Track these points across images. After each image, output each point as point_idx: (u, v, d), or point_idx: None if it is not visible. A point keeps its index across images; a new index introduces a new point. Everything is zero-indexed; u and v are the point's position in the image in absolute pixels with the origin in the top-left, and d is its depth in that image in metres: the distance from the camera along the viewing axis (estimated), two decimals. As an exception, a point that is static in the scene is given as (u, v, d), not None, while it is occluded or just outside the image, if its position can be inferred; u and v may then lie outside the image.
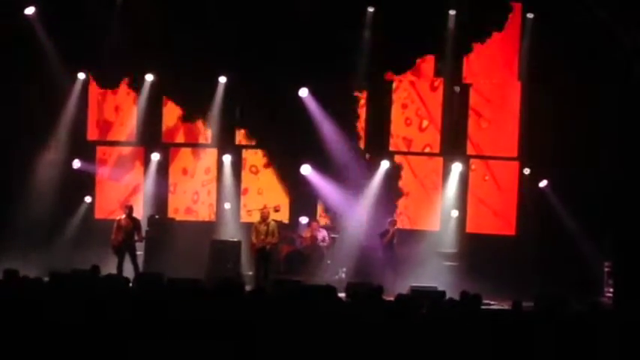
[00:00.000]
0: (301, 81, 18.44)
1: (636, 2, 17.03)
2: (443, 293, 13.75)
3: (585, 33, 17.65)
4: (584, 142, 18.03)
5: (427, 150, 19.56)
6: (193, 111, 19.17)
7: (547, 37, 18.23)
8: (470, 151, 19.40)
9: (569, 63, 17.84)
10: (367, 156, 19.07)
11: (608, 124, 17.97)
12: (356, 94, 19.05)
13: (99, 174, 19.29)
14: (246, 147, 19.55)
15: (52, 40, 18.21)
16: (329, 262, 18.07)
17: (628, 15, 16.98)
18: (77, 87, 18.98)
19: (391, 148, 19.44)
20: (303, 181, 18.74)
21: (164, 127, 19.57)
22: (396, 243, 17.67)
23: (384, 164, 18.96)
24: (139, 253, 17.21)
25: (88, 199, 19.13)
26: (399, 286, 14.91)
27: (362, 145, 19.25)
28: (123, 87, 19.40)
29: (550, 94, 18.30)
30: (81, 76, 18.95)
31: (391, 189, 19.08)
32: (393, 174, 19.12)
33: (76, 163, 18.91)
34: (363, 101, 19.27)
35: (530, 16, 18.62)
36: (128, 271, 16.21)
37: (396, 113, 19.46)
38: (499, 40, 18.82)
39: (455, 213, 18.98)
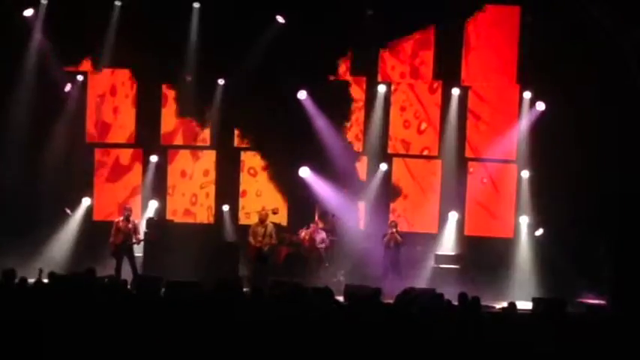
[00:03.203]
0: (300, 82, 18.52)
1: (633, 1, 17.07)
2: (441, 296, 13.76)
3: (584, 34, 17.65)
4: (583, 143, 18.00)
5: (425, 152, 19.56)
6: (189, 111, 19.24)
7: (545, 40, 18.22)
8: (468, 153, 19.41)
9: (568, 65, 17.83)
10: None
11: (608, 125, 17.93)
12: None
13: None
14: (245, 149, 19.55)
15: (50, 41, 18.26)
16: (327, 264, 18.07)
17: (625, 14, 17.01)
18: (75, 88, 19.01)
19: (389, 151, 19.45)
20: (302, 184, 18.76)
21: (162, 130, 19.56)
22: (396, 245, 17.58)
23: (382, 167, 19.02)
24: (138, 255, 17.22)
25: (86, 200, 19.12)
26: (398, 288, 14.89)
27: (360, 148, 19.28)
28: (121, 89, 19.42)
29: (548, 97, 18.35)
30: (79, 77, 18.98)
31: (386, 189, 19.15)
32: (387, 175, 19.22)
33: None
34: (361, 103, 19.31)
35: (529, 18, 18.61)
36: (127, 274, 16.21)
37: (394, 115, 19.45)
38: (498, 43, 18.86)
39: (453, 215, 18.98)
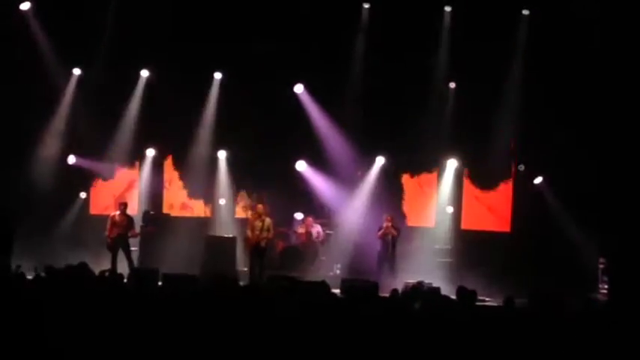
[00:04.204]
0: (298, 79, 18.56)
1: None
2: (438, 289, 13.78)
3: (581, 35, 17.63)
4: (580, 138, 17.99)
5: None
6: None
7: (544, 34, 18.18)
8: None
9: (566, 62, 17.80)
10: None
11: (607, 123, 17.91)
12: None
13: (93, 170, 19.20)
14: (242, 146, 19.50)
15: (47, 36, 18.21)
16: (323, 258, 18.09)
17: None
18: (72, 83, 18.95)
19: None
20: (298, 177, 18.75)
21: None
22: (392, 238, 17.55)
23: (379, 160, 18.98)
24: (134, 249, 17.22)
25: (83, 194, 19.09)
26: (393, 282, 14.92)
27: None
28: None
29: (547, 91, 18.34)
30: (76, 71, 18.92)
31: (392, 186, 19.16)
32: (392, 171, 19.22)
33: (71, 159, 18.84)
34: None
35: (525, 12, 18.51)
36: (123, 268, 16.19)
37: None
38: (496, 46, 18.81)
39: (450, 209, 18.98)
